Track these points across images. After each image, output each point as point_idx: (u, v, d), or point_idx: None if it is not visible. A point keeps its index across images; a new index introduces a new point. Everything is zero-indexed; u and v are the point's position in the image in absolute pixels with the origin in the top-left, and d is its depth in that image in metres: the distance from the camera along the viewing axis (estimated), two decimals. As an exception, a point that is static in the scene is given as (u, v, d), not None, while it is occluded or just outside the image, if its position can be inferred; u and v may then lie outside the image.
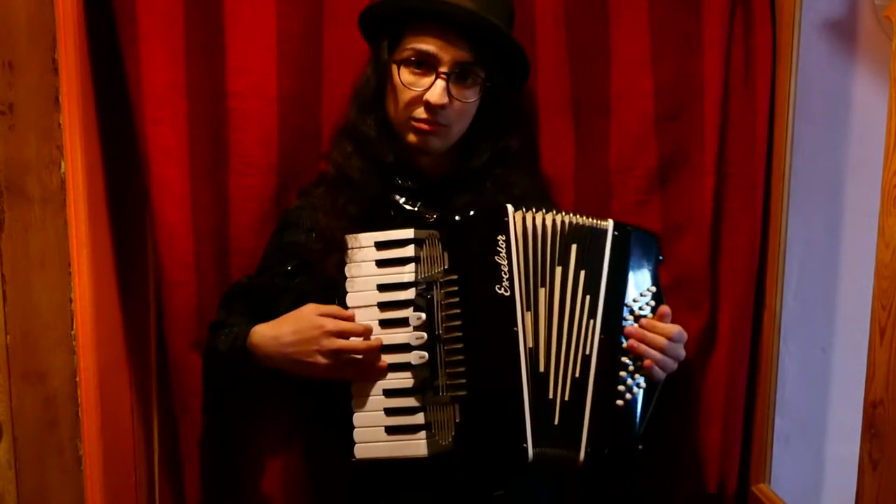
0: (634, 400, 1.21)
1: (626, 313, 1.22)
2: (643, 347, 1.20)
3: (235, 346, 1.25)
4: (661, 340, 1.20)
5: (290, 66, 1.38)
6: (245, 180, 1.38)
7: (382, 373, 1.20)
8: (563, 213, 1.23)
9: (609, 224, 1.24)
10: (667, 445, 1.48)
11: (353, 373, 1.20)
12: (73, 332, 1.23)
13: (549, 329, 1.20)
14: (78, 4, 1.23)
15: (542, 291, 1.20)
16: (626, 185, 1.45)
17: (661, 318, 1.22)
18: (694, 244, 1.46)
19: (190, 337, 1.35)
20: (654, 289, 1.25)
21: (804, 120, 1.44)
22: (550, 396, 1.19)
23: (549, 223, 1.22)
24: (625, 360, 1.21)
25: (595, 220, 1.24)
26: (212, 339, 1.31)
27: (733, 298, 1.46)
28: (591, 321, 1.20)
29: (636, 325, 1.22)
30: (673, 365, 1.22)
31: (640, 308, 1.23)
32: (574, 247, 1.22)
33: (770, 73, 1.43)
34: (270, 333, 1.23)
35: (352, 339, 1.19)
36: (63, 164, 1.20)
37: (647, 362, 1.20)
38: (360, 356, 1.18)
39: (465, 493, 1.25)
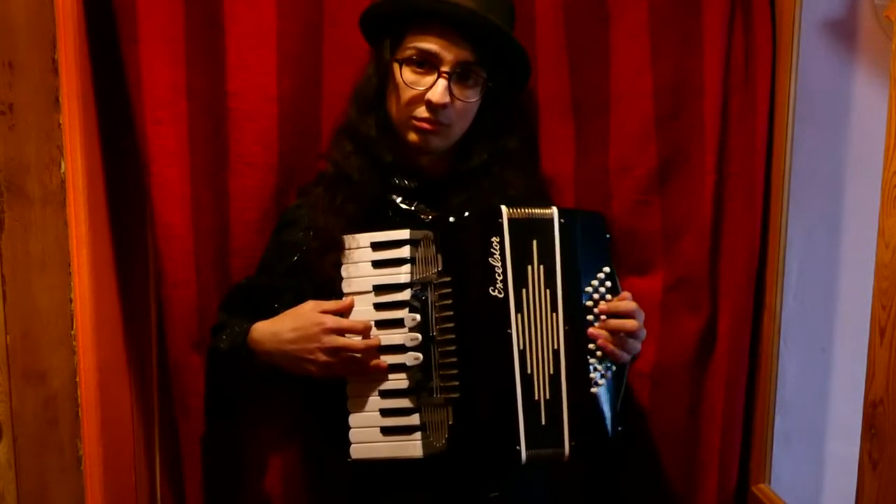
0: (607, 385, 1.22)
1: (585, 300, 1.22)
2: (609, 347, 1.21)
3: (235, 344, 1.26)
4: (627, 324, 1.21)
5: (290, 66, 1.38)
6: (245, 180, 1.38)
7: (380, 372, 1.20)
8: (522, 208, 1.22)
9: (553, 212, 1.22)
10: (667, 445, 1.48)
11: (351, 371, 1.21)
12: (73, 332, 1.23)
13: (531, 330, 1.20)
14: (78, 4, 1.23)
15: (523, 292, 1.20)
16: (626, 185, 1.45)
17: (621, 301, 1.23)
18: (694, 244, 1.45)
19: (191, 337, 1.35)
20: (607, 269, 1.25)
21: (804, 120, 1.44)
22: (536, 397, 1.19)
23: (526, 223, 1.21)
24: (591, 346, 1.21)
25: (541, 210, 1.22)
26: (214, 341, 1.31)
27: (733, 298, 1.46)
28: (554, 315, 1.20)
29: (596, 309, 1.22)
30: (637, 345, 1.24)
31: (597, 291, 1.23)
32: (534, 242, 1.21)
33: (770, 73, 1.42)
34: (270, 330, 1.23)
35: (351, 337, 1.19)
36: (63, 164, 1.20)
37: (610, 350, 1.20)
38: (358, 354, 1.18)
39: (461, 494, 1.25)
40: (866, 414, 1.12)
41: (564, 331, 1.20)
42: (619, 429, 1.23)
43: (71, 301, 1.22)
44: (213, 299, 1.36)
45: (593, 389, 1.21)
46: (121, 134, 1.34)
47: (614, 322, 1.21)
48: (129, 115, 1.30)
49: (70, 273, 1.22)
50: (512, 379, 1.17)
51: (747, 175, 1.44)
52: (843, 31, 1.48)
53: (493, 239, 1.18)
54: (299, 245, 1.29)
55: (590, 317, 1.22)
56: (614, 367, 1.23)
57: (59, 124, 1.20)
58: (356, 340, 1.19)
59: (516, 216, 1.20)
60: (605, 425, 1.22)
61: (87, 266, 1.24)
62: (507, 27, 1.26)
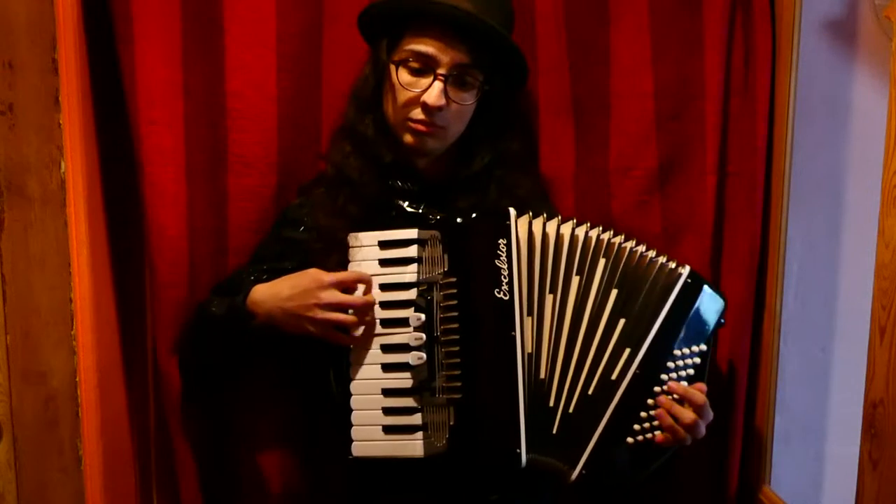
0: (646, 443, 1.19)
1: (668, 361, 1.20)
2: (668, 420, 1.17)
3: (234, 305, 1.23)
4: (685, 414, 1.17)
5: (290, 66, 1.38)
6: (244, 180, 1.37)
7: (375, 338, 1.20)
8: (631, 241, 1.23)
9: (685, 270, 1.23)
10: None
11: (348, 336, 1.20)
12: (73, 332, 1.23)
13: (555, 336, 1.20)
14: (77, 4, 1.23)
15: (549, 298, 1.20)
16: (627, 186, 1.45)
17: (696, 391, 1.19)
18: (695, 245, 1.46)
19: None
20: (704, 348, 1.22)
21: (804, 120, 1.44)
22: (551, 404, 1.19)
23: (566, 231, 1.22)
24: (650, 402, 1.19)
25: (672, 262, 1.23)
26: (204, 306, 1.29)
27: (734, 299, 1.45)
28: (627, 349, 1.20)
29: (675, 375, 1.20)
30: (688, 441, 1.19)
31: (684, 362, 1.21)
32: (602, 261, 1.22)
33: (770, 73, 1.42)
34: (270, 290, 1.21)
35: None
36: (63, 164, 1.20)
37: (659, 437, 1.18)
38: (354, 318, 1.17)
39: (461, 496, 1.25)
40: (866, 414, 1.12)
41: (634, 373, 1.19)
42: (633, 482, 1.21)
43: (71, 301, 1.22)
44: (205, 300, 1.36)
45: (630, 439, 1.19)
46: (121, 134, 1.34)
47: (677, 408, 1.17)
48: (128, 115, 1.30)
49: (70, 273, 1.22)
50: (514, 381, 1.16)
51: (748, 175, 1.44)
52: (843, 31, 1.48)
53: (501, 241, 1.18)
54: (301, 244, 1.29)
55: (664, 376, 1.20)
56: (657, 434, 1.19)
57: (59, 124, 1.20)
58: (352, 297, 1.17)
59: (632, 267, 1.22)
60: (625, 477, 1.21)
61: (87, 266, 1.24)
62: (506, 29, 1.25)
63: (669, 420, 1.17)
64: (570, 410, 1.19)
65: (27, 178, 1.15)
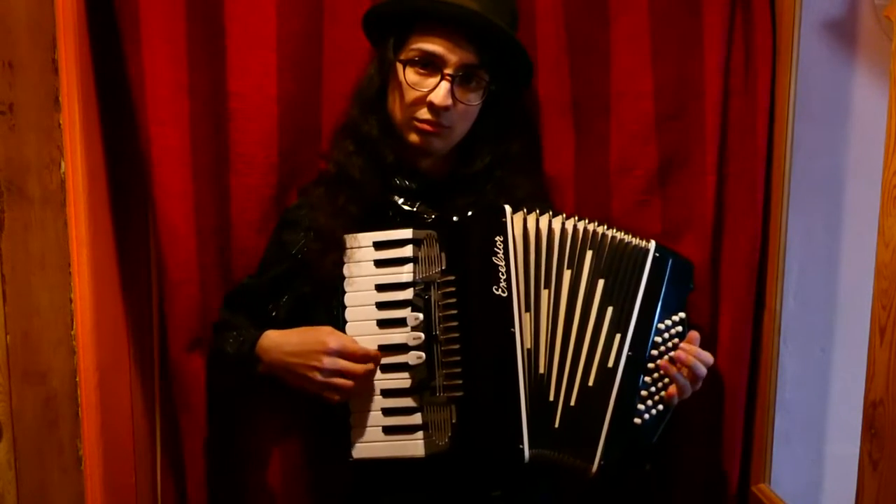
0: (651, 419, 1.21)
1: (654, 336, 1.23)
2: (673, 371, 1.20)
3: (242, 350, 1.26)
4: (700, 367, 1.20)
5: (291, 66, 1.38)
6: (246, 180, 1.38)
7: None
8: (603, 226, 1.25)
9: (651, 245, 1.25)
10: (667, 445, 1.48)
11: (343, 395, 1.21)
12: (73, 332, 1.23)
13: (552, 331, 1.20)
14: (78, 4, 1.23)
15: (544, 293, 1.20)
16: (626, 186, 1.45)
17: (691, 342, 1.23)
18: (695, 244, 1.46)
19: (192, 335, 1.35)
20: (682, 315, 1.25)
21: (804, 120, 1.44)
22: (551, 399, 1.19)
23: (556, 226, 1.23)
24: (647, 379, 1.21)
25: (637, 239, 1.25)
26: (219, 340, 1.31)
27: (734, 299, 1.46)
28: (618, 335, 1.21)
29: (663, 348, 1.22)
30: (690, 390, 1.22)
31: (668, 332, 1.23)
32: (590, 253, 1.23)
33: (770, 73, 1.42)
34: (277, 340, 1.24)
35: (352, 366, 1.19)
36: (63, 164, 1.20)
37: (670, 390, 1.20)
38: (352, 382, 1.19)
39: (463, 494, 1.25)
40: (866, 414, 1.12)
41: (627, 356, 1.20)
42: (648, 466, 1.24)
43: (71, 301, 1.22)
44: (215, 297, 1.36)
45: (637, 420, 1.20)
46: (120, 134, 1.34)
47: (689, 359, 1.20)
48: (130, 115, 1.30)
49: (70, 273, 1.22)
50: (514, 377, 1.16)
51: (748, 175, 1.44)
52: (843, 31, 1.48)
53: (497, 238, 1.18)
54: (300, 246, 1.29)
55: (654, 352, 1.22)
56: (661, 407, 1.22)
57: (59, 124, 1.20)
58: (354, 366, 1.19)
59: (611, 245, 1.23)
60: (639, 456, 1.22)
61: (87, 266, 1.24)
62: (512, 29, 1.26)
63: (673, 389, 1.20)
64: (572, 404, 1.20)
65: (27, 178, 1.15)
